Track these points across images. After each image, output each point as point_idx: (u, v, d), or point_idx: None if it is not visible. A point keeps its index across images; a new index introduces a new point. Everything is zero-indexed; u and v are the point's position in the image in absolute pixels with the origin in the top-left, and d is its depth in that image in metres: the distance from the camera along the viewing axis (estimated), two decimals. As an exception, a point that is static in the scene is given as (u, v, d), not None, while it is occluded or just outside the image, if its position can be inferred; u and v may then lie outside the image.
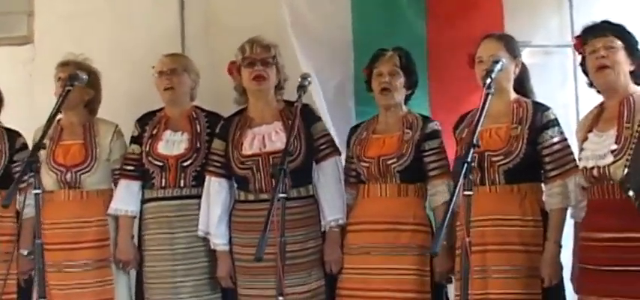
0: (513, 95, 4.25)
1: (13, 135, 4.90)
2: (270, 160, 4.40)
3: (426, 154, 4.39)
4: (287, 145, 4.01)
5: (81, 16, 5.79)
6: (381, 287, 4.29)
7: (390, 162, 4.36)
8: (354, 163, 4.51)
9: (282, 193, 3.77)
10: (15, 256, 4.59)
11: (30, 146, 4.77)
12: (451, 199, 3.34)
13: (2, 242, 4.67)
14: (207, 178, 4.58)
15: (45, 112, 4.44)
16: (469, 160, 3.38)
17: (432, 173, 4.39)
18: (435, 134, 4.43)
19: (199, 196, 4.61)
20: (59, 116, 4.68)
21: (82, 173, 4.72)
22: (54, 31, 5.80)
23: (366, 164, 4.41)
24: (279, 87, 4.61)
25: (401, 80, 4.45)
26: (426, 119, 4.49)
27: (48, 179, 4.72)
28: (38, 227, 3.91)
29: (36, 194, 3.85)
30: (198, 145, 4.67)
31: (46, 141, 4.52)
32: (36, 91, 5.18)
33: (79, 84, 4.39)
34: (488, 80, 3.67)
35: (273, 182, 4.08)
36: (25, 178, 3.76)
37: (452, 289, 4.36)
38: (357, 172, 4.50)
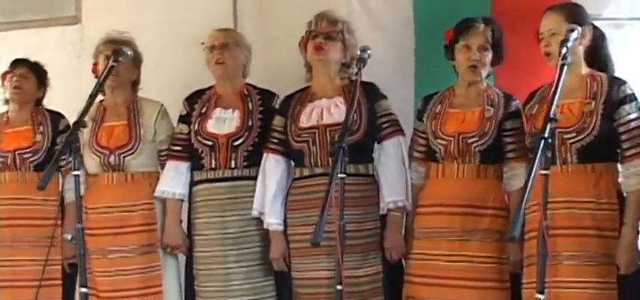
0: (586, 69, 3.99)
1: (56, 117, 4.86)
2: (328, 133, 4.22)
3: (507, 133, 4.16)
4: (346, 121, 3.80)
5: None
6: (457, 275, 4.06)
7: (471, 140, 4.13)
8: (425, 137, 4.29)
9: (342, 172, 3.60)
10: (59, 240, 4.55)
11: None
12: (528, 179, 3.11)
13: (46, 226, 4.59)
14: (264, 155, 4.42)
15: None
16: (546, 135, 3.17)
17: (510, 155, 4.15)
18: (518, 113, 4.19)
19: (252, 178, 4.43)
20: (101, 97, 4.66)
21: (126, 155, 4.58)
22: (102, 11, 5.80)
23: (444, 142, 4.17)
24: (346, 65, 4.40)
25: (489, 56, 4.22)
26: (507, 97, 4.24)
27: (91, 162, 4.61)
28: (79, 211, 3.78)
29: (75, 176, 3.71)
30: (251, 123, 4.49)
31: (89, 121, 4.50)
32: (84, 72, 5.08)
33: (124, 60, 4.26)
34: (564, 50, 3.48)
35: (330, 157, 3.94)
36: (65, 159, 3.69)
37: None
38: (427, 148, 4.28)
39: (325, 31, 4.33)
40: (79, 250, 3.68)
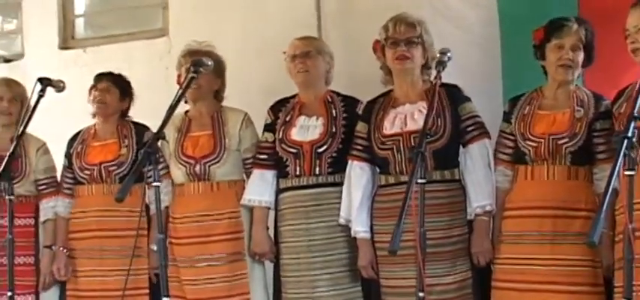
0: None
1: (141, 129, 4.90)
2: (412, 139, 4.16)
3: (597, 134, 4.05)
4: (425, 126, 3.75)
5: (215, 6, 5.87)
6: (548, 279, 3.96)
7: (561, 141, 4.03)
8: (512, 138, 4.20)
9: (421, 177, 3.55)
10: (145, 250, 4.63)
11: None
12: (609, 180, 3.01)
13: (132, 237, 4.53)
14: (349, 162, 4.38)
15: (181, 104, 4.40)
16: (629, 134, 3.06)
17: (600, 156, 4.04)
18: (608, 114, 4.07)
19: (336, 184, 4.41)
20: (187, 108, 4.71)
21: (212, 164, 4.60)
22: (188, 23, 5.90)
23: (534, 143, 4.08)
24: (426, 66, 4.35)
25: (581, 56, 4.13)
26: (597, 97, 4.14)
27: (177, 172, 4.66)
28: (160, 221, 3.78)
29: (155, 187, 3.73)
30: (334, 130, 4.46)
31: (175, 132, 4.62)
32: (172, 83, 5.09)
33: (205, 71, 4.23)
34: None
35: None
36: (149, 170, 3.69)
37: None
38: (514, 150, 4.20)
39: (405, 37, 4.27)
40: (161, 261, 3.68)
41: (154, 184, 3.71)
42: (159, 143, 4.33)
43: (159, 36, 6.17)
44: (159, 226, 3.75)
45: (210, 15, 5.82)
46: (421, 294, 3.52)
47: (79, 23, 6.72)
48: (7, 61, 6.68)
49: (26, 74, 5.58)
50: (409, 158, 3.99)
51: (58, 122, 5.37)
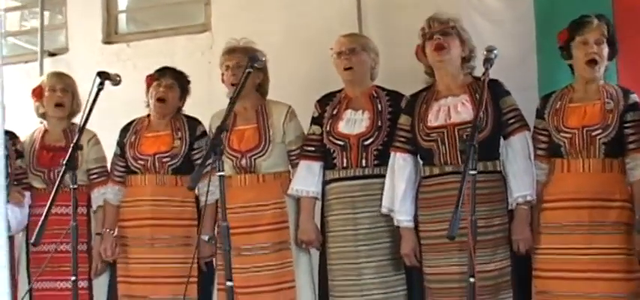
0: None
1: (193, 122, 4.98)
2: (456, 131, 4.27)
3: (628, 125, 4.14)
4: (475, 120, 3.86)
5: (256, 1, 5.86)
6: (584, 268, 4.06)
7: (595, 133, 4.13)
8: (546, 134, 4.30)
9: (472, 169, 3.66)
10: (195, 240, 4.69)
11: (209, 133, 4.88)
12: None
13: (183, 227, 4.79)
14: (392, 154, 4.48)
15: (223, 99, 4.54)
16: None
17: (631, 146, 4.12)
18: (637, 106, 4.17)
19: (382, 176, 4.50)
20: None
21: (257, 157, 4.71)
22: (230, 18, 5.96)
23: (568, 135, 4.19)
24: (466, 60, 4.44)
25: (606, 50, 4.22)
26: (625, 90, 4.23)
27: (224, 165, 4.66)
28: (223, 209, 3.89)
29: (220, 176, 3.83)
30: (380, 123, 4.56)
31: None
32: (214, 78, 5.20)
33: (259, 66, 4.33)
34: None
35: (459, 155, 4.08)
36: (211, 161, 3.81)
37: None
38: (548, 145, 4.29)
39: (440, 29, 4.37)
40: (225, 247, 3.79)
41: (219, 173, 3.81)
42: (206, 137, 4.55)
43: (201, 31, 6.25)
44: (222, 214, 3.87)
45: (252, 10, 5.88)
46: (472, 279, 3.62)
47: (122, 18, 6.82)
48: (52, 55, 6.77)
49: (70, 68, 5.69)
50: (461, 150, 4.11)
51: (104, 115, 5.46)
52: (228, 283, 3.79)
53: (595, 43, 4.18)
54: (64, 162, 4.27)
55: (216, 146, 3.78)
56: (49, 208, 4.16)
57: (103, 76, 4.50)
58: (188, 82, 5.06)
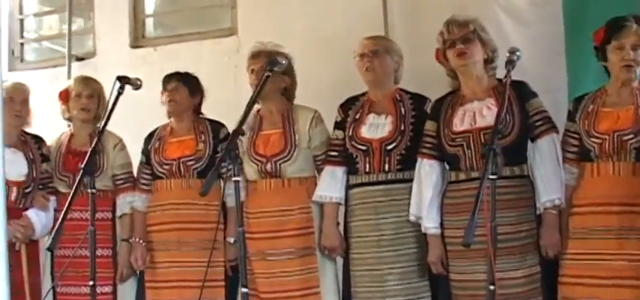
0: None
1: (217, 126, 4.98)
2: (482, 136, 4.21)
3: None
4: (496, 123, 3.79)
5: (282, 4, 5.90)
6: (614, 274, 3.97)
7: (626, 138, 4.04)
8: (577, 137, 4.22)
9: (492, 173, 3.59)
10: (222, 243, 4.71)
11: (234, 136, 4.84)
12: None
13: (209, 230, 4.69)
14: (418, 160, 4.43)
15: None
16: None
17: None
18: None
19: (405, 181, 4.46)
20: (258, 106, 4.76)
21: (282, 162, 4.68)
22: (256, 22, 5.99)
23: (598, 140, 4.10)
24: (488, 61, 4.38)
25: None
26: None
27: (250, 170, 4.75)
28: (239, 215, 3.88)
29: (235, 181, 3.82)
30: (403, 127, 4.52)
31: (247, 130, 4.63)
32: (240, 81, 5.22)
33: (279, 69, 4.31)
34: None
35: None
36: (225, 166, 3.80)
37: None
38: (579, 149, 4.21)
39: (460, 35, 4.31)
40: (240, 253, 3.80)
41: (234, 178, 3.79)
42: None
43: (227, 35, 6.29)
44: (238, 220, 3.85)
45: (277, 13, 5.90)
46: (492, 287, 3.56)
47: (149, 23, 6.87)
48: (80, 59, 6.82)
49: (98, 72, 5.68)
50: (482, 155, 3.99)
51: (130, 119, 5.48)
52: (243, 290, 3.80)
53: (631, 47, 4.09)
54: (82, 166, 4.29)
55: (231, 151, 3.77)
56: (66, 213, 4.18)
57: (123, 80, 4.52)
58: (195, 79, 5.05)
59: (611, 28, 4.15)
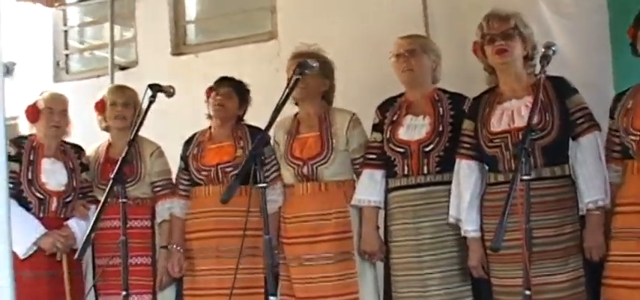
0: None
1: (256, 132, 4.88)
2: (520, 137, 4.00)
3: None
4: (529, 121, 3.66)
5: (322, 7, 5.90)
6: None
7: None
8: (619, 135, 4.07)
9: (526, 174, 3.47)
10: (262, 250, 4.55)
11: (273, 142, 4.82)
12: None
13: (249, 236, 4.61)
14: (457, 160, 4.33)
15: (290, 107, 4.49)
16: None
17: None
18: None
19: (445, 183, 4.36)
20: (297, 110, 4.75)
21: (319, 165, 4.64)
22: (296, 26, 6.00)
23: (635, 138, 3.94)
24: (528, 58, 4.25)
25: None
26: None
27: (286, 174, 4.72)
28: (266, 222, 3.83)
29: (261, 188, 3.76)
30: (441, 128, 4.42)
31: (284, 134, 4.71)
32: (281, 86, 5.11)
33: (310, 72, 4.21)
34: None
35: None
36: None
37: None
38: (622, 147, 4.05)
39: (500, 31, 4.19)
40: (267, 261, 3.76)
41: (260, 185, 3.73)
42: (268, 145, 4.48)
43: (268, 39, 6.29)
44: (265, 227, 3.79)
45: (317, 17, 5.89)
46: (528, 292, 3.45)
47: (191, 29, 6.90)
48: (123, 68, 6.88)
49: (141, 81, 5.64)
50: (514, 155, 3.90)
51: (173, 126, 5.50)
52: (272, 299, 3.77)
53: None
54: (112, 176, 4.27)
55: (256, 156, 3.70)
56: (95, 222, 4.17)
57: (155, 88, 4.49)
58: (247, 90, 5.03)
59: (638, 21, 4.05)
